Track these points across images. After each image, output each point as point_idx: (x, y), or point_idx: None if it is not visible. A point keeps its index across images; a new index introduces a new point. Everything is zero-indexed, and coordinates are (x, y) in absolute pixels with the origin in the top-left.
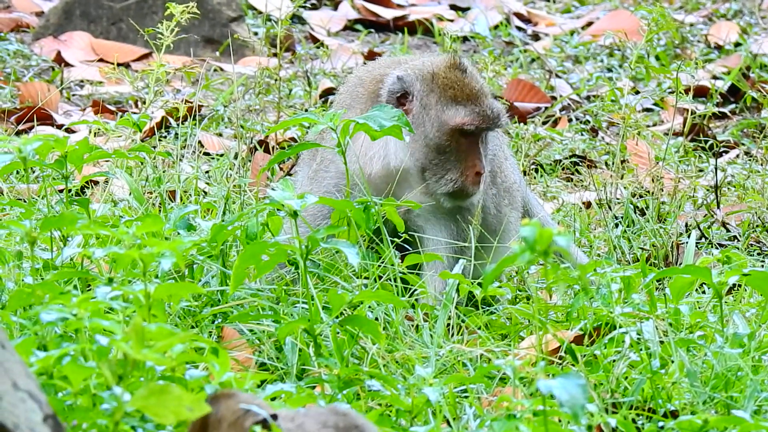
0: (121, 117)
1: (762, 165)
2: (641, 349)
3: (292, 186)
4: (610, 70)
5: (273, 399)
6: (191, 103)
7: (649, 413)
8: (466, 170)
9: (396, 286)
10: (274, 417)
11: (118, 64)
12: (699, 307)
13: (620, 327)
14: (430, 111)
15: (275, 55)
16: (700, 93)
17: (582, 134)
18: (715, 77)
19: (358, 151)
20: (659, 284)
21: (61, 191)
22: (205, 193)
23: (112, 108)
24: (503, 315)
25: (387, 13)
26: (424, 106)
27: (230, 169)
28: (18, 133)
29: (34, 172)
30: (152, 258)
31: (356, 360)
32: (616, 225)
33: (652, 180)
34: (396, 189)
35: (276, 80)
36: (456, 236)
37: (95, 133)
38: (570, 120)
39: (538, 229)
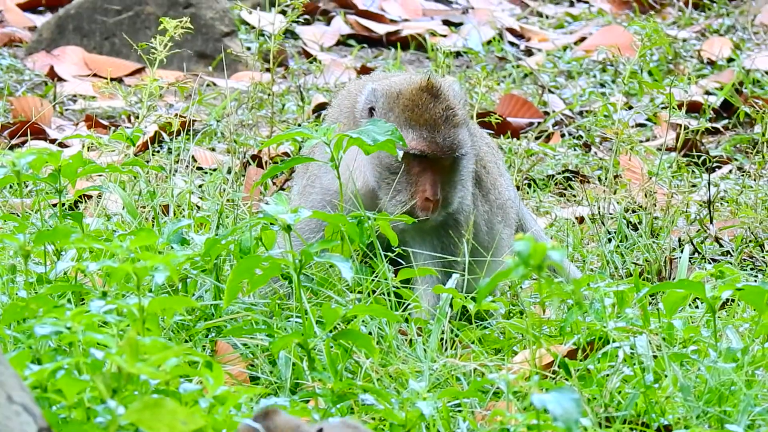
0: (114, 131)
1: (755, 180)
2: (635, 364)
3: (285, 200)
4: (603, 86)
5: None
6: (184, 117)
7: (642, 428)
8: (416, 194)
9: (389, 300)
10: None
11: (111, 79)
12: (692, 322)
13: (614, 341)
14: None
15: (268, 70)
16: (693, 108)
17: (575, 149)
18: (708, 92)
19: (343, 167)
20: (652, 299)
21: (54, 205)
22: (199, 207)
23: (105, 123)
24: (497, 329)
25: (380, 29)
26: None
27: (224, 183)
28: (11, 148)
29: (27, 186)
30: (146, 272)
31: (350, 374)
32: (609, 240)
33: (645, 195)
34: (375, 204)
35: (269, 95)
36: (443, 253)
37: (88, 148)
38: (563, 135)
39: (531, 243)
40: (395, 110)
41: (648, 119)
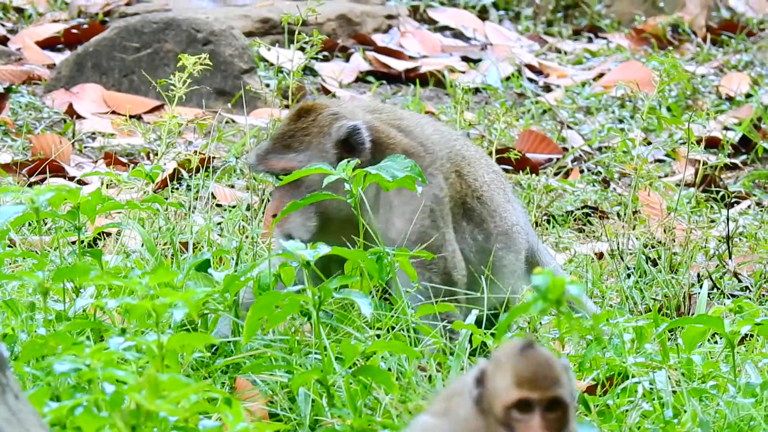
0: (133, 169)
1: None
2: (654, 399)
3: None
4: (621, 121)
5: None
6: (203, 154)
7: None
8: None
9: (408, 336)
10: None
11: (130, 116)
12: (711, 357)
13: (633, 377)
14: None
15: (287, 106)
16: (712, 144)
17: (594, 185)
18: (726, 128)
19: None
20: (671, 334)
21: (73, 242)
22: (218, 245)
23: (124, 160)
24: None
25: (399, 65)
26: None
27: (242, 220)
28: (30, 185)
29: (46, 223)
30: (165, 309)
31: (369, 410)
32: (629, 275)
33: (664, 231)
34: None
35: None
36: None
37: (107, 185)
38: (582, 171)
39: (550, 278)
40: None
41: (667, 155)
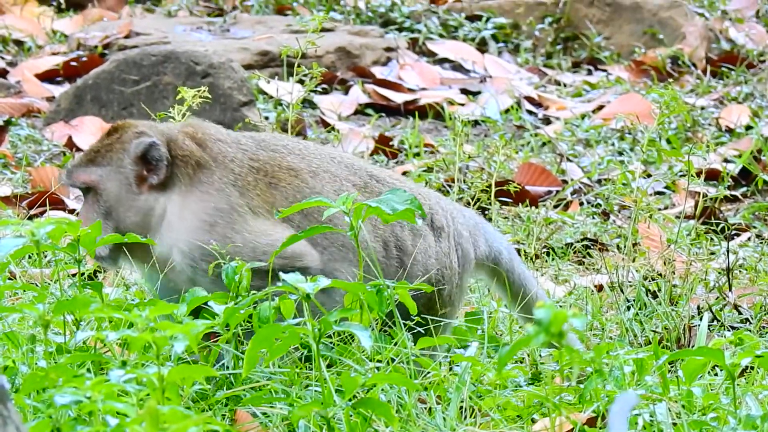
0: None
1: None
2: (654, 431)
3: None
4: (621, 154)
5: None
6: None
7: None
8: None
9: (409, 368)
10: None
11: None
12: (712, 389)
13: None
14: None
15: None
16: (712, 176)
17: (593, 217)
18: (726, 160)
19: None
20: (672, 366)
21: (73, 275)
22: None
23: None
24: (515, 397)
25: (398, 98)
26: None
27: None
28: (30, 218)
29: (46, 256)
30: (165, 341)
31: None
32: (628, 308)
33: (664, 263)
34: None
35: None
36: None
37: None
38: (581, 203)
39: (552, 312)
40: None
41: (666, 187)
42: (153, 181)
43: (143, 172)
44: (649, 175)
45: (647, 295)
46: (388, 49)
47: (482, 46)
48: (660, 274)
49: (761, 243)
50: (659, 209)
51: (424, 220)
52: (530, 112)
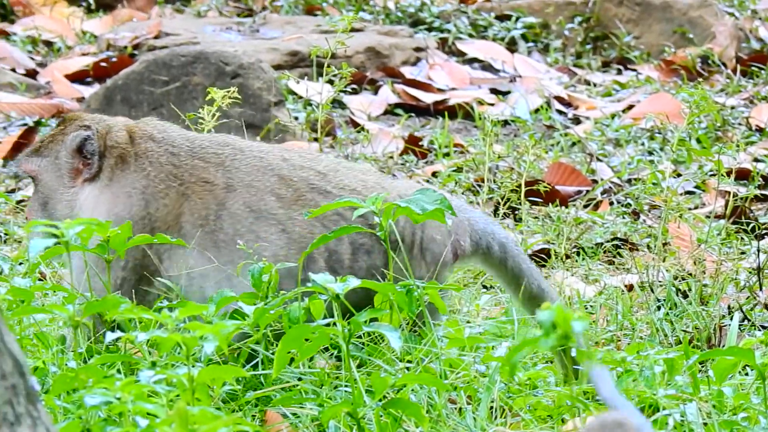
0: None
1: None
2: (685, 431)
3: None
4: (651, 153)
5: None
6: None
7: None
8: None
9: (439, 368)
10: None
11: None
12: (743, 389)
13: (664, 409)
14: None
15: (316, 139)
16: (742, 175)
17: (623, 217)
18: (756, 159)
19: None
20: (702, 366)
21: None
22: None
23: None
24: (546, 397)
25: (427, 98)
26: None
27: None
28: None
29: None
30: (195, 342)
31: None
32: (659, 308)
33: (694, 263)
34: None
35: None
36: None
37: None
38: (611, 203)
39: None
40: None
41: (697, 187)
42: (86, 175)
43: (79, 166)
44: (679, 175)
45: (677, 295)
46: (418, 49)
47: (512, 46)
48: (690, 274)
49: None
50: (689, 209)
51: (377, 235)
52: (560, 112)
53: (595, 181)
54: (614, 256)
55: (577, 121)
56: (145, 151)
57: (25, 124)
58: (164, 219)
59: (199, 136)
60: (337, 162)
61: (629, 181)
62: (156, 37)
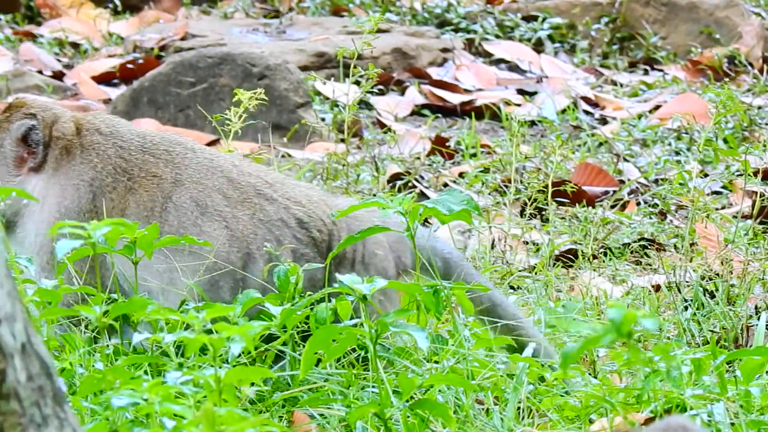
0: None
1: None
2: (712, 431)
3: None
4: (678, 154)
5: None
6: None
7: None
8: None
9: (466, 369)
10: None
11: None
12: None
13: (691, 409)
14: None
15: (343, 140)
16: None
17: (650, 217)
18: None
19: None
20: (729, 366)
21: None
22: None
23: None
24: (574, 397)
25: (454, 98)
26: None
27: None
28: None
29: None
30: (222, 343)
31: None
32: (686, 308)
33: (722, 263)
34: None
35: (344, 165)
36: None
37: None
38: (638, 203)
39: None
40: None
41: (723, 187)
42: (31, 164)
43: (24, 154)
44: (706, 175)
45: (705, 295)
46: (444, 50)
47: (538, 47)
48: (717, 274)
49: None
50: (716, 209)
51: (319, 249)
52: (587, 113)
53: (622, 182)
54: (641, 257)
55: (603, 121)
56: (91, 143)
57: None
58: (110, 213)
59: (150, 132)
60: (285, 177)
61: (656, 181)
62: (183, 39)
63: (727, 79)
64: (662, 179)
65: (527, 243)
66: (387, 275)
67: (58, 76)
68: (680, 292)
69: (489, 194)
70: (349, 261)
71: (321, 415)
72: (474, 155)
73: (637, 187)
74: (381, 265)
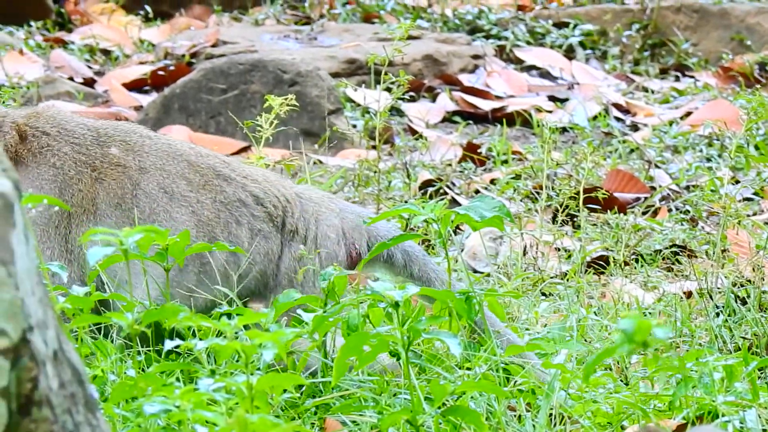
0: None
1: None
2: None
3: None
4: (709, 160)
5: None
6: None
7: None
8: None
9: (498, 376)
10: None
11: None
12: None
13: (723, 416)
14: None
15: (374, 147)
16: None
17: (682, 224)
18: None
19: None
20: (762, 373)
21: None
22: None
23: None
24: (606, 403)
25: (485, 105)
26: None
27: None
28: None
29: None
30: (254, 350)
31: None
32: (717, 314)
33: (753, 269)
34: None
35: (375, 172)
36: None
37: None
38: (670, 210)
39: (637, 321)
40: None
41: (755, 193)
42: None
43: None
44: (738, 182)
45: (736, 302)
46: (475, 57)
47: (569, 53)
48: (749, 281)
49: None
50: (748, 215)
51: (275, 223)
52: (618, 119)
53: (653, 188)
54: (673, 263)
55: (635, 128)
56: (40, 148)
57: None
58: (80, 204)
59: (100, 123)
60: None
61: (687, 188)
62: (214, 46)
63: (758, 86)
64: (693, 186)
65: (559, 249)
66: (337, 259)
67: (89, 83)
68: (712, 299)
69: (520, 201)
70: (301, 238)
71: (353, 421)
72: (505, 162)
73: (668, 194)
74: (332, 248)
